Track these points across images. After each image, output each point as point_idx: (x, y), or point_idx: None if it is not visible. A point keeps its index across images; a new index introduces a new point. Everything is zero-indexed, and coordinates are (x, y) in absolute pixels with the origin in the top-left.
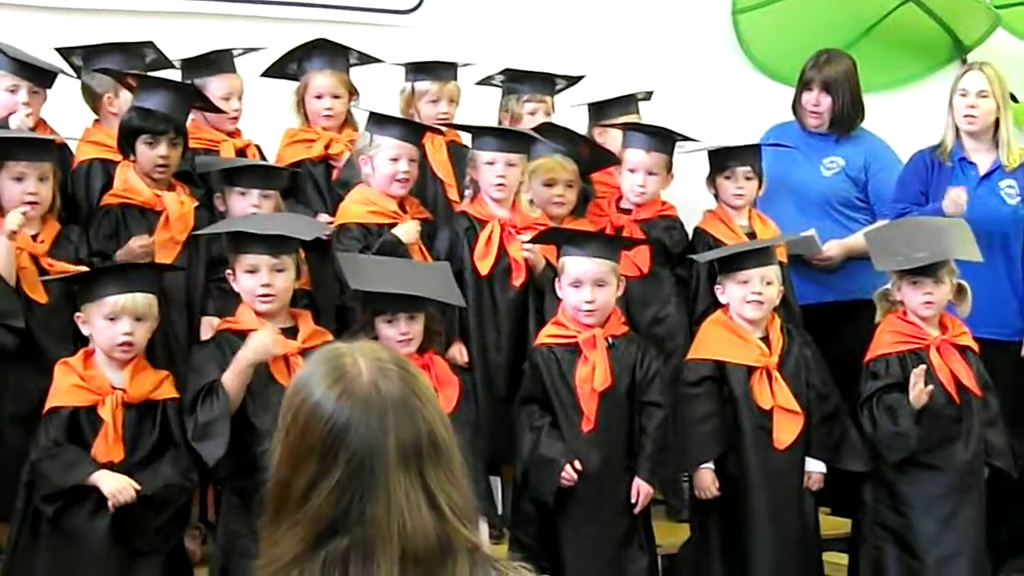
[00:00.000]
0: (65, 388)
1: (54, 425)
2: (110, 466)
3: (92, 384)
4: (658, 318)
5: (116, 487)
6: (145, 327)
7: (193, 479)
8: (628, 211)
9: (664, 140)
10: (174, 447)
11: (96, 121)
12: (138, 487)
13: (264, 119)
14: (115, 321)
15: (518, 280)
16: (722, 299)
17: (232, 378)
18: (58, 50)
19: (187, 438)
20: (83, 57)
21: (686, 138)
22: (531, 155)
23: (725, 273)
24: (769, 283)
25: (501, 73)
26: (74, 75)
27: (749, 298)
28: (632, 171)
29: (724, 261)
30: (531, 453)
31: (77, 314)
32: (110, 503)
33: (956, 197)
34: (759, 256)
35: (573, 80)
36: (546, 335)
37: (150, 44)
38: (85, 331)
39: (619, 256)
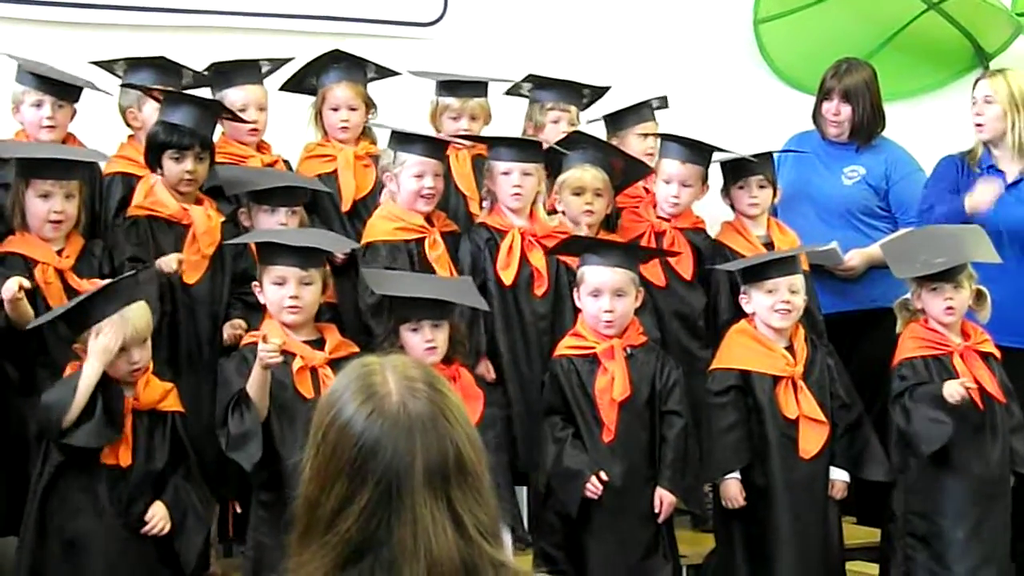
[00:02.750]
0: None
1: None
2: (118, 470)
3: None
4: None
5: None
6: (148, 346)
7: (207, 499)
8: (666, 220)
9: (699, 152)
10: (187, 463)
11: (131, 136)
12: (166, 524)
13: (288, 133)
14: (124, 351)
15: (540, 289)
16: (747, 308)
17: (251, 387)
18: (97, 63)
19: (202, 455)
20: (123, 69)
21: (723, 151)
22: (563, 168)
23: (751, 282)
24: (795, 291)
25: (526, 80)
26: (104, 90)
27: (777, 307)
28: (667, 182)
29: (751, 270)
30: (555, 465)
31: (75, 345)
32: (154, 527)
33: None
34: (786, 265)
35: (600, 91)
36: (565, 346)
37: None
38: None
39: (638, 266)
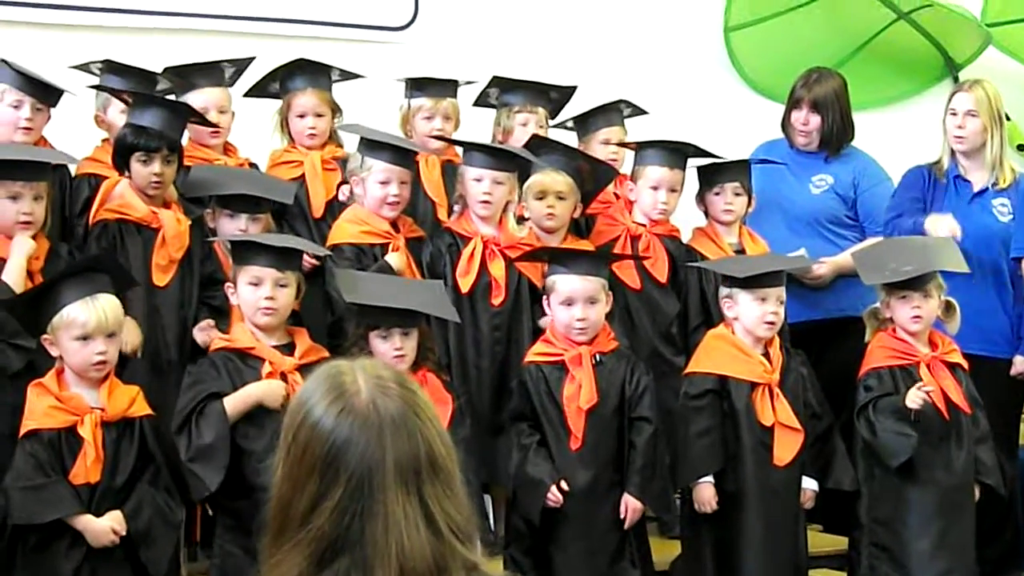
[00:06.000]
0: (42, 410)
1: (34, 449)
2: (88, 488)
3: (70, 404)
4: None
5: (99, 537)
6: (116, 342)
7: (175, 502)
8: (641, 224)
9: (682, 156)
10: (153, 467)
11: (105, 139)
12: (122, 531)
13: (253, 137)
14: (87, 341)
15: (498, 299)
16: (729, 313)
17: (235, 408)
18: (77, 67)
19: (170, 457)
20: (100, 70)
21: (706, 153)
22: (530, 174)
23: (745, 287)
24: (782, 303)
25: (492, 84)
26: (77, 94)
27: (767, 318)
28: (654, 188)
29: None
30: (518, 472)
31: (44, 336)
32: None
33: (945, 221)
34: (780, 276)
35: (567, 91)
36: (534, 353)
37: (161, 73)
38: (53, 352)
39: (607, 272)
